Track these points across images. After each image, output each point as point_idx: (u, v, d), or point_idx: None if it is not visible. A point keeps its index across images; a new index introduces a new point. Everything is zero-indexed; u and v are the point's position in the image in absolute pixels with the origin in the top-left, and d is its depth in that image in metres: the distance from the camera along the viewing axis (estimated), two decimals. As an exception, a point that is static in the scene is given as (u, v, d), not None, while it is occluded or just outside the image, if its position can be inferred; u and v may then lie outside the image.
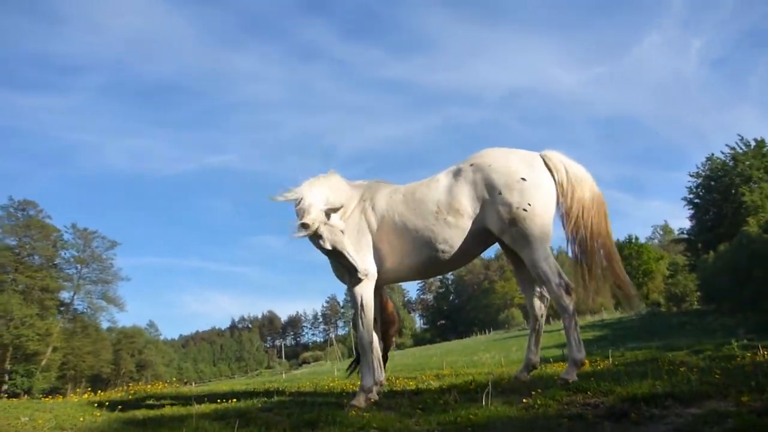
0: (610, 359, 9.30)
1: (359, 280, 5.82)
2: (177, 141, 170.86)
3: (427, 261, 5.97)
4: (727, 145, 49.46)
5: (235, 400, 6.96)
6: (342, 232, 5.72)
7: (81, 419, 6.29)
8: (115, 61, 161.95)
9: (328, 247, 5.63)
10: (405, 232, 5.91)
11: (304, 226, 5.40)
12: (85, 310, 58.88)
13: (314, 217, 5.48)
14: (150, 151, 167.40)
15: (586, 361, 8.79)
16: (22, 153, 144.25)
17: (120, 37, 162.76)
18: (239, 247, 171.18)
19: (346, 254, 5.66)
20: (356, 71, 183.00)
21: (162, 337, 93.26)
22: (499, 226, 5.65)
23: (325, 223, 5.57)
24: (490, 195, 5.68)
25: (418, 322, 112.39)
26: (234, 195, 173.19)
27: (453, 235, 5.82)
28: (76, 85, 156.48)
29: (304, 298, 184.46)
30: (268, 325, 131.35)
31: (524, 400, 4.76)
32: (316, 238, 5.62)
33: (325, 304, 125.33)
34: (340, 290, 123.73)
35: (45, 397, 11.96)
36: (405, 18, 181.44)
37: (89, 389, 22.09)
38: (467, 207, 5.78)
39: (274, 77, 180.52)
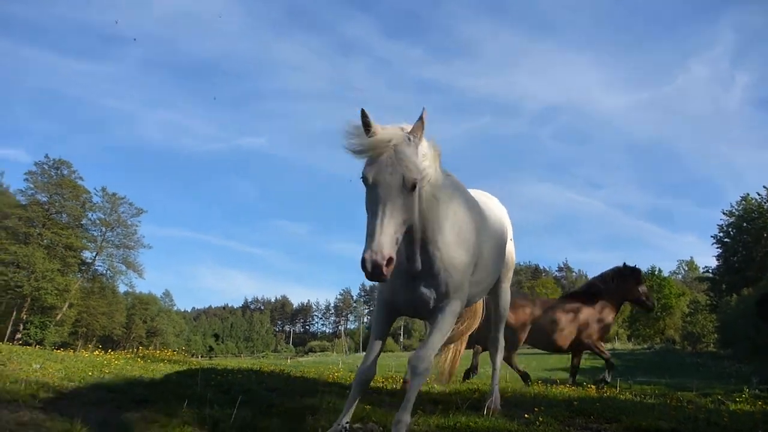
0: (617, 389, 9.21)
1: None
2: (212, 119, 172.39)
3: (490, 286, 5.10)
4: (765, 187, 47.90)
5: (240, 376, 7.04)
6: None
7: (90, 374, 6.44)
8: (160, 35, 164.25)
9: None
10: (493, 245, 4.69)
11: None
12: (104, 272, 60.12)
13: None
14: (184, 126, 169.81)
15: (592, 387, 8.74)
16: (61, 116, 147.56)
17: (167, 11, 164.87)
18: (261, 229, 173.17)
19: None
20: (395, 69, 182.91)
21: (175, 308, 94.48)
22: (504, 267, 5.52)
23: None
24: (507, 237, 5.47)
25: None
26: (261, 178, 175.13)
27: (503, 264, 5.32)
28: (119, 54, 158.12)
29: (318, 287, 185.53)
30: (280, 309, 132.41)
31: (526, 416, 4.75)
32: None
33: (338, 296, 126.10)
34: (354, 284, 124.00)
35: (56, 350, 12.27)
36: (450, 21, 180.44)
37: (99, 347, 22.56)
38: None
39: (313, 68, 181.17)
